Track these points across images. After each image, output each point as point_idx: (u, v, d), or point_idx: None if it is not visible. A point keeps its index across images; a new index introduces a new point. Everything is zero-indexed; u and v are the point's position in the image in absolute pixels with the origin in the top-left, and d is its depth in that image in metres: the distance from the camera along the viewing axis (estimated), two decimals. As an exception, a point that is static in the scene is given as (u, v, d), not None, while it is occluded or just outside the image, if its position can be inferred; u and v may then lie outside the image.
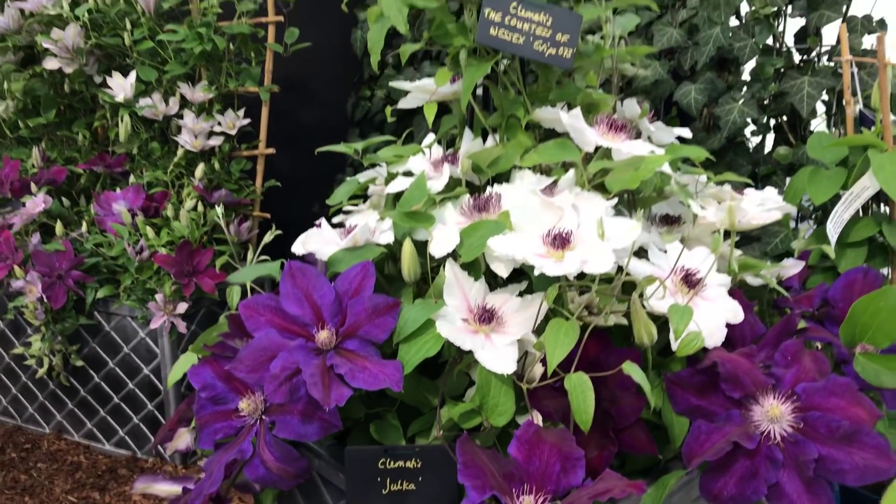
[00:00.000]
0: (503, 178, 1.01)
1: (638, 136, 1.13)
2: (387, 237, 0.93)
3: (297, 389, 0.83)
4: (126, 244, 1.65)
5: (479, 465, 0.78)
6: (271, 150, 1.90)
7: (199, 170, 1.79)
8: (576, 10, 0.92)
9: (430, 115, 0.96)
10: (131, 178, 1.84)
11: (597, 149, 0.94)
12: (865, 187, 1.18)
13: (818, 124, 1.58)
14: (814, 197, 1.21)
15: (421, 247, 0.93)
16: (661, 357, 0.94)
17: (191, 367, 0.89)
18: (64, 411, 1.87)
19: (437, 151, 1.07)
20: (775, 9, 1.43)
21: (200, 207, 1.76)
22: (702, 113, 1.60)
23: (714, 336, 0.90)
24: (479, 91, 1.12)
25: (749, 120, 1.52)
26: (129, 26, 1.77)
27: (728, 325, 0.94)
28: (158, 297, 1.64)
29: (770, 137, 1.64)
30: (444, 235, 0.88)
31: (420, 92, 1.13)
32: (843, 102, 1.29)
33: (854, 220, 1.24)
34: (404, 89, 1.11)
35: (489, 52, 0.93)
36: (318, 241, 0.94)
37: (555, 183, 0.93)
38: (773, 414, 0.82)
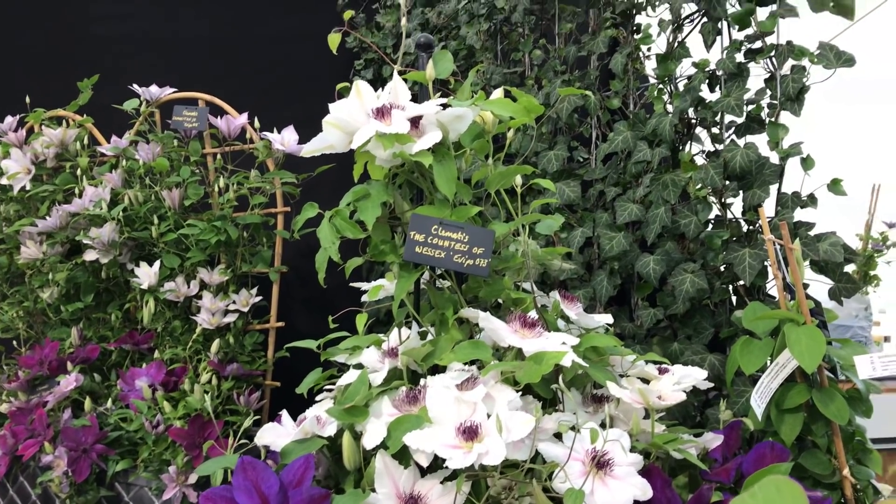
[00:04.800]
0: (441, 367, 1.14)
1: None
2: (331, 429, 1.06)
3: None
4: (144, 419, 1.82)
5: None
6: (281, 324, 2.09)
7: (215, 345, 1.98)
8: (489, 227, 1.09)
9: (359, 324, 1.12)
10: (156, 354, 2.04)
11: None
12: (790, 358, 1.27)
13: (773, 286, 1.69)
14: (744, 367, 1.30)
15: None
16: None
17: (159, 552, 1.02)
18: (87, 579, 1.97)
19: (394, 340, 1.22)
20: (710, 189, 1.58)
21: (215, 380, 1.94)
22: (663, 281, 1.72)
23: (622, 513, 0.99)
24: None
25: (705, 287, 1.63)
26: (156, 221, 2.03)
27: (646, 500, 1.02)
28: (171, 468, 1.78)
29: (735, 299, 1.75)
30: (374, 429, 1.01)
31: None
32: (772, 276, 1.40)
33: (790, 385, 1.32)
34: (363, 288, 1.27)
35: (417, 266, 1.09)
36: (272, 435, 1.08)
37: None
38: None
